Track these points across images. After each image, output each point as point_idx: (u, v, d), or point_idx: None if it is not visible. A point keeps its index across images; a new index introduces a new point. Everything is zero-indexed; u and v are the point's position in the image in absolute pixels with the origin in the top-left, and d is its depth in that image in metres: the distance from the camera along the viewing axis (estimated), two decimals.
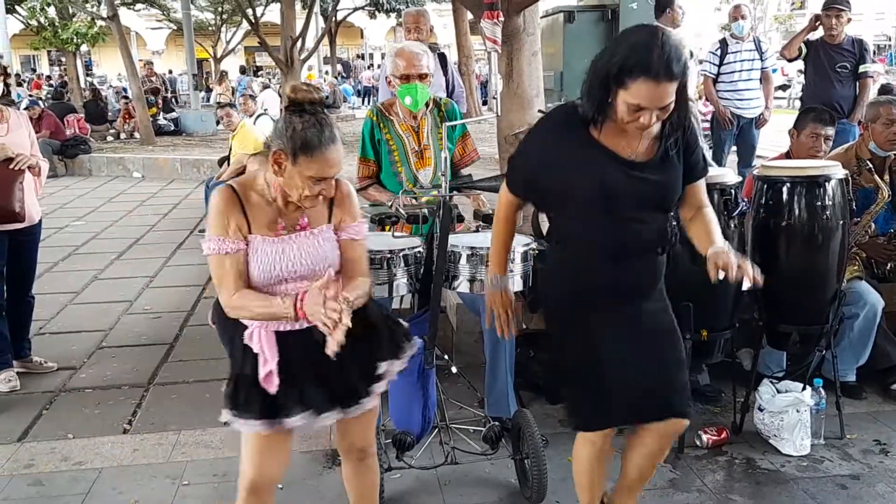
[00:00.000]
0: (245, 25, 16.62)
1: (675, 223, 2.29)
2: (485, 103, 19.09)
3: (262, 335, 1.99)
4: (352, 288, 2.04)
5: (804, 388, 3.11)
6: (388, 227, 3.11)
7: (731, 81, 6.27)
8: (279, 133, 1.92)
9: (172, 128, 15.51)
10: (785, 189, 3.09)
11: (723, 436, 3.14)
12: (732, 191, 3.07)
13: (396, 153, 3.36)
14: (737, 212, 3.08)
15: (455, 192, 2.85)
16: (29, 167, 3.71)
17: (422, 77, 3.24)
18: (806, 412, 3.05)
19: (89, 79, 26.87)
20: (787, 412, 3.04)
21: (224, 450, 3.17)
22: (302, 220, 2.04)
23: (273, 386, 1.98)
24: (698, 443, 3.12)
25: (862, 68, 5.64)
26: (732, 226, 3.08)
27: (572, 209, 2.13)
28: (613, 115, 2.00)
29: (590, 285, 2.17)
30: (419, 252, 2.83)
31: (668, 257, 3.14)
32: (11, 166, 3.64)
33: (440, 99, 3.51)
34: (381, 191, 3.39)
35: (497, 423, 2.90)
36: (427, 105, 3.40)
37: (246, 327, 2.02)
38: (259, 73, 31.78)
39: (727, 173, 3.18)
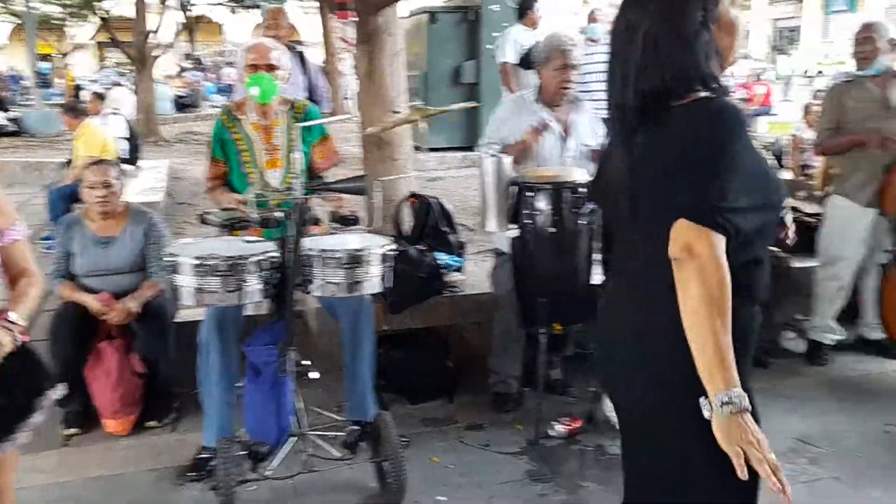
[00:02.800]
0: (95, 19, 15.69)
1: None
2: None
3: None
4: (21, 298, 1.92)
5: None
6: (236, 232, 3.02)
7: (586, 83, 6.51)
8: None
9: (12, 128, 14.38)
10: None
11: (576, 425, 3.26)
12: (582, 189, 3.18)
13: (246, 153, 3.25)
14: (586, 209, 3.19)
15: (309, 195, 2.79)
16: None
17: (270, 68, 3.15)
18: None
19: None
20: None
21: (59, 473, 2.98)
22: None
23: None
24: (552, 433, 3.22)
25: None
26: (582, 222, 3.19)
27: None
28: None
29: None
30: (273, 257, 2.75)
31: (527, 256, 3.26)
32: None
33: (296, 100, 3.43)
34: (226, 193, 3.27)
35: (357, 426, 2.87)
36: (282, 105, 3.32)
37: None
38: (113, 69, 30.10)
39: (576, 172, 3.29)
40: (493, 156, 3.33)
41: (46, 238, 6.69)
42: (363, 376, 3.14)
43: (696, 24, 1.51)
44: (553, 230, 3.18)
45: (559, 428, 3.23)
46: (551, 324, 3.17)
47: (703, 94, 1.51)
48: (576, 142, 3.56)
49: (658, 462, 1.60)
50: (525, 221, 3.20)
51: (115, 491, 2.86)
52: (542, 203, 3.18)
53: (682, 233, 1.43)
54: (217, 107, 21.22)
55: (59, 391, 1.99)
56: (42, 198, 7.58)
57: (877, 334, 4.21)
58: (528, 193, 3.18)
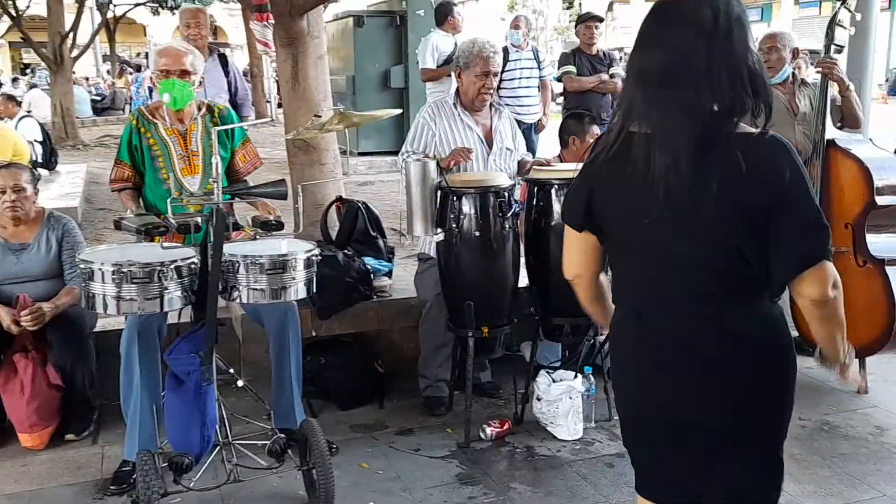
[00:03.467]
0: (6, 19, 15.02)
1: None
2: (279, 105, 18.71)
3: None
4: None
5: (576, 376, 3.34)
6: (157, 239, 2.93)
7: (512, 88, 6.60)
8: None
9: None
10: (553, 191, 3.29)
11: (505, 427, 3.29)
12: (506, 193, 3.23)
13: (161, 159, 3.17)
14: (510, 213, 3.24)
15: (229, 200, 2.74)
16: None
17: (183, 73, 3.08)
18: (578, 398, 3.27)
19: None
20: (562, 399, 3.25)
21: None
22: None
23: None
24: (483, 436, 3.25)
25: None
26: (507, 226, 3.24)
27: None
28: None
29: None
30: (193, 263, 2.68)
31: (453, 260, 3.28)
32: None
33: (214, 104, 3.37)
34: (134, 196, 3.22)
35: (283, 435, 2.83)
36: (200, 109, 3.25)
37: None
38: (26, 71, 28.94)
39: (500, 177, 3.34)
40: (417, 160, 3.34)
41: None
42: (289, 383, 3.11)
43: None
44: (479, 234, 3.22)
45: (489, 430, 3.25)
46: (479, 327, 3.19)
47: (747, 127, 1.58)
48: (498, 146, 3.60)
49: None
50: (451, 226, 3.22)
51: None
52: (468, 207, 3.21)
53: (829, 272, 1.57)
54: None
55: None
56: None
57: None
58: (453, 198, 3.21)
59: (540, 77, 6.67)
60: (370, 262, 3.90)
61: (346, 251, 3.85)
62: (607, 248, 1.78)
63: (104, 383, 3.35)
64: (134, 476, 2.83)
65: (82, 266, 2.56)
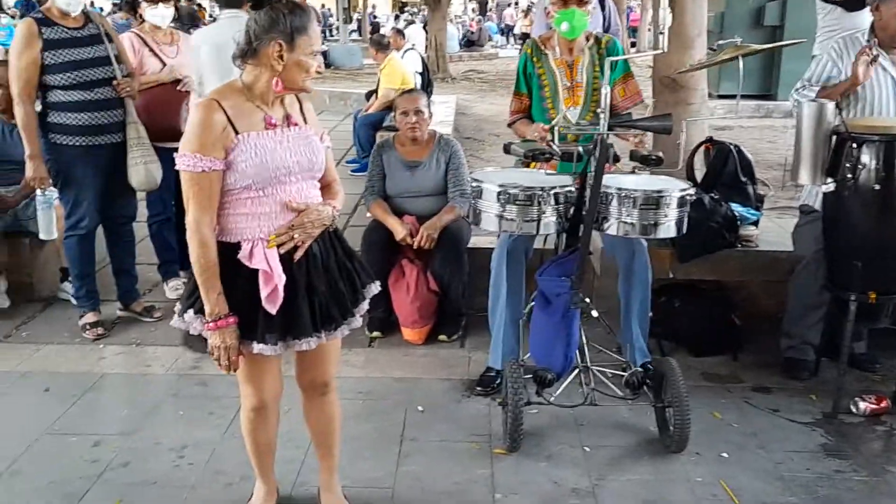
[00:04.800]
0: None
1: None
2: (632, 45, 18.35)
3: (267, 252, 1.95)
4: (333, 195, 2.15)
5: None
6: (533, 165, 3.08)
7: None
8: (268, 26, 1.91)
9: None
10: None
11: (883, 404, 2.95)
12: None
13: (547, 88, 3.28)
14: None
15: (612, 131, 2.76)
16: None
17: (581, 2, 3.11)
18: None
19: None
20: None
21: (368, 369, 3.33)
22: (289, 117, 2.04)
23: (276, 305, 1.95)
24: (854, 409, 2.95)
25: None
26: None
27: None
28: None
29: None
30: (570, 191, 2.77)
31: (843, 214, 2.96)
32: (179, 87, 3.87)
33: (601, 35, 3.37)
34: (528, 124, 3.33)
35: (641, 369, 2.85)
36: (587, 40, 3.28)
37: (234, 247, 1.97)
38: (405, 9, 31.90)
39: None
40: (813, 100, 3.04)
41: (352, 161, 7.40)
42: (631, 323, 3.11)
43: None
44: (878, 188, 2.85)
45: (862, 405, 2.94)
46: (866, 291, 2.87)
47: None
48: None
49: None
50: (845, 175, 2.90)
51: (414, 393, 3.13)
52: (868, 156, 2.86)
53: None
54: (498, 46, 21.69)
55: (375, 288, 2.23)
56: (347, 125, 8.38)
57: None
58: (851, 145, 2.87)
59: None
60: (737, 208, 3.69)
61: (712, 195, 3.69)
62: None
63: (472, 295, 3.68)
64: (498, 381, 3.10)
65: (474, 185, 2.78)
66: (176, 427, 2.89)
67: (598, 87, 3.18)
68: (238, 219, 1.98)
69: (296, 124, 2.05)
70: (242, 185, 1.94)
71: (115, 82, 3.51)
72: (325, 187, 2.15)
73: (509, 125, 3.49)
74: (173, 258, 4.21)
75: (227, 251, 1.97)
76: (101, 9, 23.18)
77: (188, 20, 11.91)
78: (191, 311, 2.00)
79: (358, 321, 2.17)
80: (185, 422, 2.93)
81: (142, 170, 3.59)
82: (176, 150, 3.95)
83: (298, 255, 2.01)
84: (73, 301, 3.84)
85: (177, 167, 1.93)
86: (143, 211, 4.08)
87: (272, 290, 1.95)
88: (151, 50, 3.89)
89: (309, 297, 2.03)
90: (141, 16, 3.93)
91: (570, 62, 3.27)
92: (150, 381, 3.26)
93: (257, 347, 1.98)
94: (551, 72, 3.27)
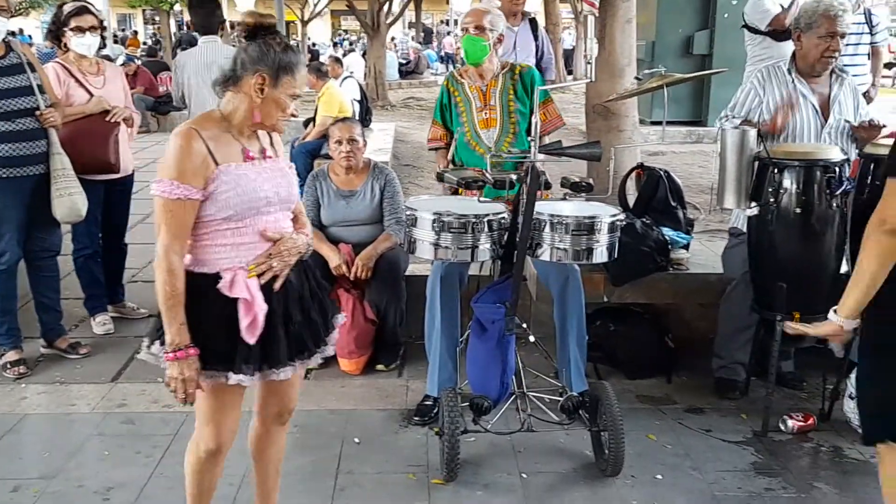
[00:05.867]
0: None
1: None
2: (569, 72, 18.75)
3: (248, 282, 1.93)
4: (302, 224, 2.16)
5: None
6: (461, 191, 3.11)
7: (849, 55, 5.93)
8: (256, 58, 1.93)
9: None
10: None
11: (809, 422, 3.04)
12: (837, 168, 2.93)
13: (464, 114, 3.39)
14: (839, 190, 2.93)
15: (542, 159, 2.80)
16: (123, 119, 3.84)
17: (478, 29, 3.24)
18: None
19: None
20: None
21: (303, 402, 3.25)
22: (265, 150, 2.05)
23: (255, 335, 1.93)
24: (783, 427, 3.03)
25: None
26: (834, 205, 2.94)
27: None
28: None
29: None
30: (503, 218, 2.79)
31: (766, 237, 3.06)
32: (107, 118, 3.77)
33: (516, 63, 3.46)
34: (445, 155, 3.51)
35: (576, 394, 2.87)
36: (503, 67, 3.36)
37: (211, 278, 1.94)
38: (342, 35, 32.01)
39: (831, 150, 3.03)
40: (735, 128, 3.14)
41: None
42: (569, 347, 3.13)
43: None
44: (799, 211, 2.96)
45: (790, 423, 3.02)
46: (791, 311, 2.95)
47: None
48: (835, 118, 3.25)
49: None
50: (768, 200, 3.00)
51: (350, 424, 3.08)
52: (789, 181, 2.96)
53: None
54: (438, 74, 21.90)
55: (342, 318, 2.22)
56: (285, 153, 8.31)
57: None
58: (773, 170, 2.98)
59: (871, 43, 5.92)
60: (668, 232, 3.77)
61: (643, 220, 3.76)
62: None
63: (410, 323, 3.66)
64: (435, 410, 3.08)
65: (408, 213, 2.78)
66: (100, 468, 2.78)
67: (514, 109, 3.29)
68: (217, 249, 1.96)
69: (270, 157, 2.05)
70: (223, 216, 1.93)
71: (38, 112, 3.41)
72: (294, 218, 2.15)
73: (430, 149, 3.64)
74: (100, 292, 4.08)
75: (204, 282, 1.94)
76: (30, 37, 22.57)
77: (188, 46, 11.98)
78: (157, 344, 1.95)
79: (330, 350, 2.17)
80: (111, 462, 2.82)
81: (66, 201, 3.48)
82: (104, 182, 3.86)
83: (278, 284, 2.00)
84: None
85: (152, 193, 1.90)
86: (68, 245, 3.95)
87: (252, 320, 1.93)
88: (77, 80, 3.78)
89: (285, 325, 2.02)
90: (65, 45, 3.81)
91: (483, 87, 3.35)
92: (73, 421, 3.13)
93: (234, 378, 1.94)
94: (466, 97, 3.37)
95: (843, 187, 2.96)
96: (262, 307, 1.94)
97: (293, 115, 2.04)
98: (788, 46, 6.24)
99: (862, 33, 5.91)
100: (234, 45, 2.10)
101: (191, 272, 1.93)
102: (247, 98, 1.95)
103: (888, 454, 1.86)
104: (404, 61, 20.05)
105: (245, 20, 1.99)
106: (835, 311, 1.89)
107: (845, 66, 5.89)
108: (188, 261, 1.94)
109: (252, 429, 2.27)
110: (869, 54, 5.93)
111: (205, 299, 1.93)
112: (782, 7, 5.97)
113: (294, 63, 1.96)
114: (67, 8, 3.78)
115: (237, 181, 1.93)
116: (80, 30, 3.74)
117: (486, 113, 3.35)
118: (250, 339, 1.93)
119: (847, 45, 5.88)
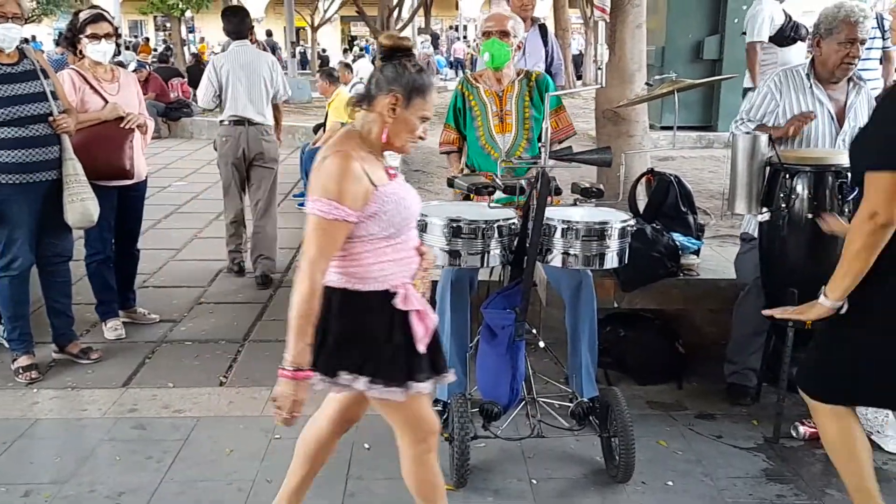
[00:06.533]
0: None
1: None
2: (578, 77, 18.75)
3: (416, 294, 2.03)
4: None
5: None
6: (473, 196, 3.11)
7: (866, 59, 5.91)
8: (392, 79, 1.96)
9: None
10: None
11: None
12: (849, 174, 2.91)
13: (479, 118, 3.40)
14: (851, 196, 2.92)
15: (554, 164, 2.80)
16: (138, 126, 3.87)
17: (503, 34, 3.25)
18: None
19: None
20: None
21: (313, 408, 3.25)
22: (388, 166, 2.09)
23: (425, 346, 2.02)
24: (794, 434, 3.02)
25: None
26: (846, 211, 2.93)
27: None
28: None
29: None
30: (514, 224, 2.80)
31: (778, 243, 3.05)
32: (122, 125, 3.80)
33: (531, 70, 3.47)
34: (458, 159, 3.50)
35: (587, 399, 2.86)
36: (518, 74, 3.37)
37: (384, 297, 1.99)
38: (354, 42, 32.12)
39: (844, 155, 3.01)
40: (747, 133, 3.14)
41: (299, 195, 7.35)
42: (580, 352, 3.12)
43: None
44: (811, 216, 2.94)
45: (802, 429, 3.00)
46: None
47: None
48: (850, 125, 3.23)
49: None
50: (779, 205, 2.99)
51: (360, 430, 2.96)
52: (801, 186, 2.95)
53: None
54: (447, 80, 21.93)
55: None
56: (295, 158, 8.34)
57: None
58: (784, 175, 2.96)
59: (883, 48, 5.90)
60: (678, 238, 3.77)
61: (654, 225, 3.76)
62: None
63: None
64: (445, 415, 3.07)
65: (419, 218, 2.78)
66: (112, 473, 2.79)
67: (529, 116, 3.31)
68: (383, 266, 2.00)
69: (394, 173, 2.09)
70: (387, 233, 1.99)
71: (51, 119, 3.44)
72: None
73: (441, 153, 3.64)
74: (112, 298, 4.10)
75: (374, 299, 1.99)
76: (41, 43, 22.77)
77: (271, 51, 12.44)
78: (358, 376, 1.96)
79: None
80: (122, 467, 2.83)
81: (78, 207, 3.50)
82: (118, 188, 3.86)
83: (427, 292, 2.10)
84: (6, 344, 3.69)
85: (307, 211, 1.93)
86: (80, 250, 3.97)
87: (425, 330, 2.01)
88: (92, 87, 3.81)
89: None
90: (81, 52, 3.85)
91: (500, 92, 3.36)
92: (85, 426, 3.15)
93: (417, 387, 2.01)
94: (482, 102, 3.39)
95: (855, 193, 2.94)
96: (434, 317, 2.04)
97: (421, 138, 2.07)
98: (792, 52, 6.26)
99: (874, 38, 5.89)
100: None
101: (357, 291, 1.98)
102: (379, 118, 1.99)
103: (820, 410, 2.26)
104: None
105: (382, 42, 2.04)
106: (825, 296, 2.17)
107: (858, 70, 5.90)
108: (343, 280, 1.98)
109: (317, 430, 2.31)
110: (881, 59, 5.92)
111: (370, 315, 1.99)
112: (780, 24, 5.99)
113: (427, 86, 2.00)
114: (84, 15, 3.83)
115: (396, 200, 1.99)
116: (95, 37, 3.78)
117: (501, 118, 3.37)
118: (423, 347, 2.02)
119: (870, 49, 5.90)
